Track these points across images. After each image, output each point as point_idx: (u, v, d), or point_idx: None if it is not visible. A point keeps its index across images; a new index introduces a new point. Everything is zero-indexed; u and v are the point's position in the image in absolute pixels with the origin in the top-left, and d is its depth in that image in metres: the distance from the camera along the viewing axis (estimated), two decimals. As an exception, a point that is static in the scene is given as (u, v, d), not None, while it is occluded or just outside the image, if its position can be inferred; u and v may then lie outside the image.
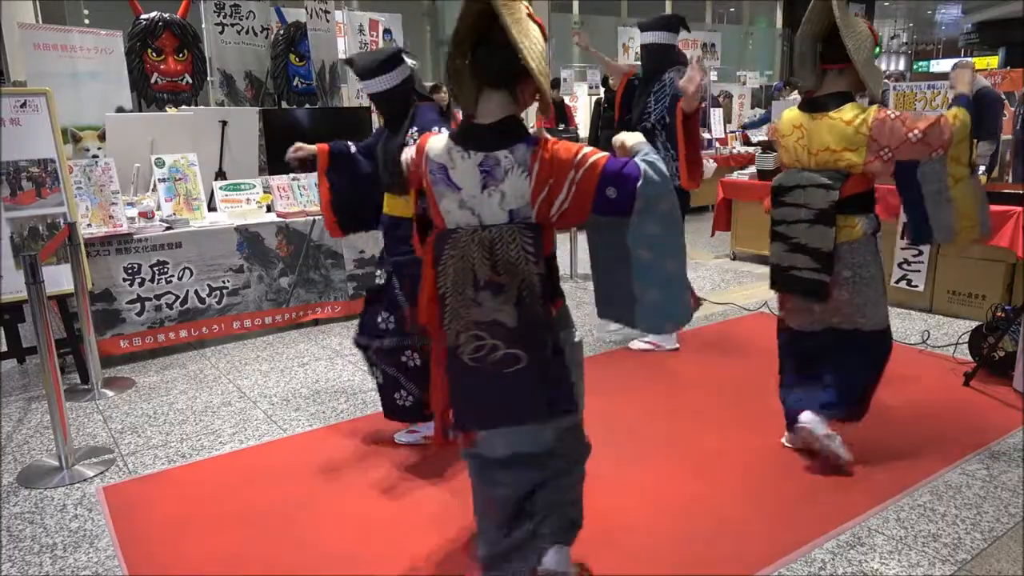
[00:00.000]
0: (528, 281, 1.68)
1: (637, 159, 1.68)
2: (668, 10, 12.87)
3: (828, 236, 2.59)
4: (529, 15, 1.67)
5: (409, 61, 2.77)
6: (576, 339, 1.82)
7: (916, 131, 2.46)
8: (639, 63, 4.05)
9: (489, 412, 1.79)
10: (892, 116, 2.51)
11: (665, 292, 1.77)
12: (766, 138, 7.00)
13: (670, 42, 3.91)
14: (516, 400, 1.75)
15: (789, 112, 2.77)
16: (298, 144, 2.95)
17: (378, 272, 2.92)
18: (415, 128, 2.68)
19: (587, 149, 1.67)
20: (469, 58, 1.69)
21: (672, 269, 1.76)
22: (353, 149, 2.99)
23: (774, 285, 2.82)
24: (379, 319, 2.84)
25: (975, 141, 2.62)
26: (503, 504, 1.91)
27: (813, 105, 2.64)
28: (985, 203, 2.64)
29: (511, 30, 1.56)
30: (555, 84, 9.11)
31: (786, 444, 2.90)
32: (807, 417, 2.70)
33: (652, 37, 3.91)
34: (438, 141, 1.77)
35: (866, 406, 2.79)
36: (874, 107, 2.54)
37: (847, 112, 2.56)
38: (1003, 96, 6.16)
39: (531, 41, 1.61)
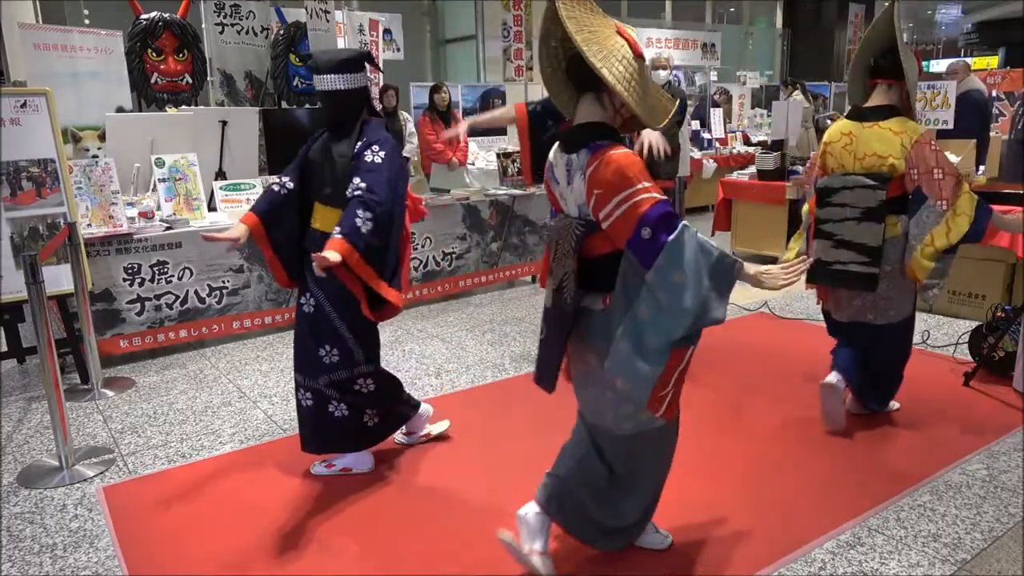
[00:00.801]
0: (568, 273, 1.89)
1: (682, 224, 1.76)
2: (668, 10, 12.86)
3: (878, 232, 2.85)
4: (618, 31, 1.87)
5: (371, 74, 2.66)
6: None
7: (939, 171, 2.76)
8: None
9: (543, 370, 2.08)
10: (932, 146, 2.79)
11: (630, 362, 1.80)
12: (767, 138, 6.98)
13: None
14: (540, 366, 2.07)
15: (838, 123, 3.04)
16: (209, 235, 2.55)
17: (304, 299, 2.64)
18: (365, 140, 2.53)
19: (640, 185, 1.75)
20: (564, 66, 1.97)
21: (650, 345, 1.77)
22: (279, 187, 2.65)
23: (813, 280, 3.01)
24: (321, 353, 2.60)
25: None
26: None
27: (863, 115, 2.92)
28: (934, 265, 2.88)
29: (582, 47, 1.76)
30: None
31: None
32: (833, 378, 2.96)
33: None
34: (557, 144, 2.02)
35: (895, 391, 3.14)
36: (922, 128, 2.85)
37: (895, 124, 2.84)
38: (995, 97, 6.16)
39: (608, 53, 1.79)
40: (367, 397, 2.70)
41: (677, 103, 3.67)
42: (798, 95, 8.03)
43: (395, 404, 2.84)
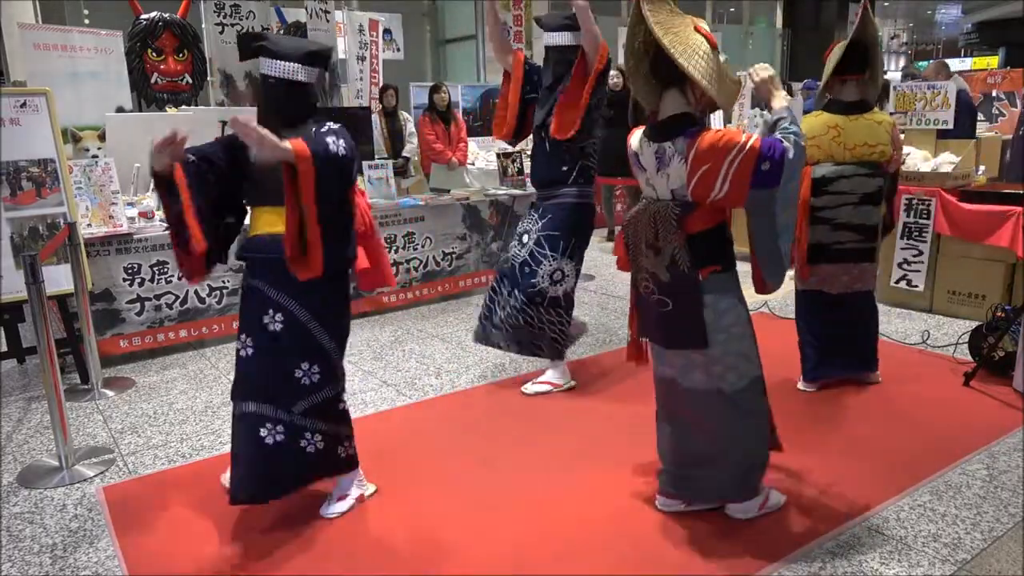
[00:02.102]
0: (676, 247, 2.14)
1: (779, 133, 2.09)
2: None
3: (876, 213, 3.23)
4: (696, 28, 2.09)
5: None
6: (727, 306, 2.21)
7: (900, 151, 3.40)
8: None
9: (652, 330, 2.36)
10: (897, 130, 3.26)
11: (787, 242, 2.25)
12: None
13: (576, 43, 3.30)
14: (664, 331, 2.29)
15: (816, 117, 3.26)
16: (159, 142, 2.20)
17: (266, 317, 2.31)
18: (318, 129, 2.27)
19: (744, 135, 2.02)
20: (648, 62, 2.18)
21: (790, 221, 2.25)
22: (190, 156, 2.29)
23: (815, 260, 3.27)
24: (298, 374, 2.32)
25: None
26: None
27: (847, 108, 3.20)
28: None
29: (669, 49, 2.01)
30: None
31: (803, 389, 3.47)
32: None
33: (558, 39, 3.36)
34: (637, 134, 2.26)
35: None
36: (889, 116, 3.27)
37: (876, 115, 3.21)
38: (995, 96, 6.17)
39: (692, 51, 2.04)
40: (346, 421, 2.49)
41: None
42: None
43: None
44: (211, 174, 2.31)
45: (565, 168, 3.38)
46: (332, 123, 2.33)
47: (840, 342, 3.40)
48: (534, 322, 3.39)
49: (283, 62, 2.31)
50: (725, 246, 2.24)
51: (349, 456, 2.53)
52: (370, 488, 2.63)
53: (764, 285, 2.32)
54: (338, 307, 2.42)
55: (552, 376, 3.57)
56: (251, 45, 2.37)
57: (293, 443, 2.36)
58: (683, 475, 2.41)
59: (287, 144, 2.08)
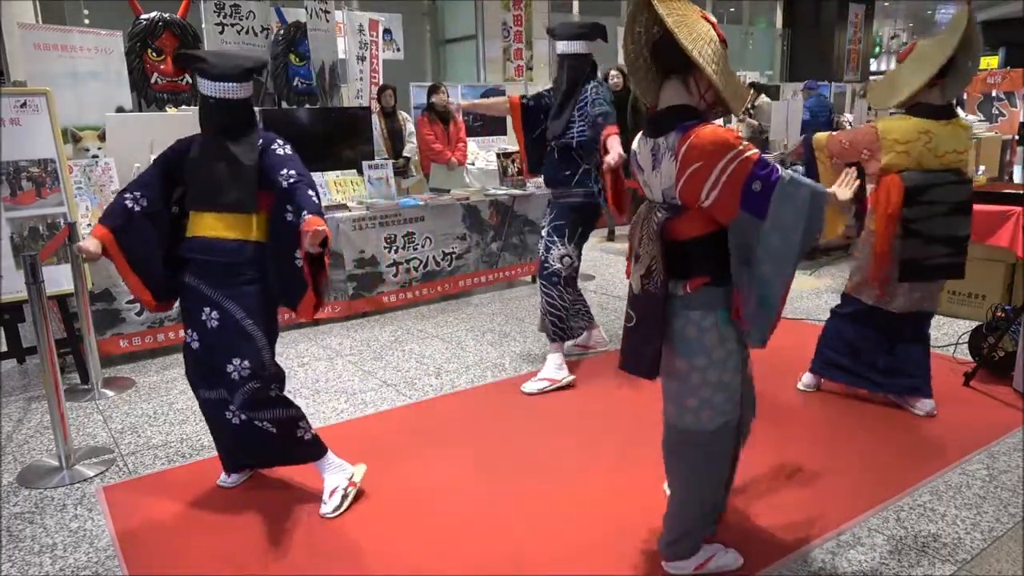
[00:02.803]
0: (655, 257, 1.89)
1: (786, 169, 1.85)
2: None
3: (967, 224, 3.02)
4: (703, 16, 1.87)
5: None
6: (709, 324, 1.92)
7: None
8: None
9: (626, 358, 2.08)
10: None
11: (771, 308, 1.89)
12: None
13: (588, 51, 3.60)
14: (625, 351, 2.07)
15: (905, 121, 2.97)
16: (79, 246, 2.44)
17: (203, 314, 2.43)
18: (262, 140, 2.46)
19: (742, 146, 1.78)
20: (648, 50, 1.93)
21: (776, 283, 1.86)
22: (133, 203, 2.46)
23: (909, 278, 3.03)
24: (229, 368, 2.40)
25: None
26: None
27: (937, 113, 2.96)
28: None
29: (673, 29, 1.76)
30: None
31: (803, 388, 3.45)
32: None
33: (572, 47, 3.55)
34: (639, 135, 2.02)
35: None
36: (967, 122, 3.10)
37: (961, 120, 3.04)
38: (996, 96, 6.16)
39: (697, 36, 1.80)
40: (284, 404, 2.52)
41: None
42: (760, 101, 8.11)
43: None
44: (145, 220, 2.48)
45: (568, 173, 3.67)
46: (277, 137, 2.51)
47: (874, 362, 3.22)
48: (556, 303, 3.71)
49: (222, 83, 2.38)
50: (719, 257, 1.89)
51: (312, 439, 2.59)
52: (359, 470, 2.66)
53: (745, 330, 1.96)
54: (269, 305, 2.55)
55: (550, 372, 3.62)
56: (188, 64, 2.47)
57: (250, 425, 2.53)
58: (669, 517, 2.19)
59: (323, 226, 2.26)
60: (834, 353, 3.32)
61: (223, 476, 2.74)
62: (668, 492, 2.17)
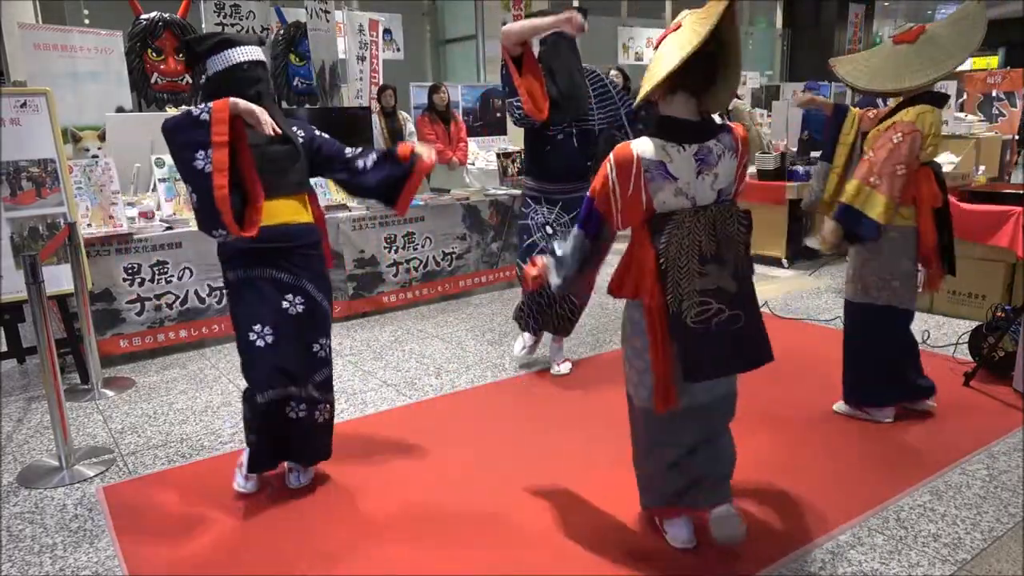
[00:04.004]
0: (739, 251, 2.02)
1: None
2: (668, 10, 12.85)
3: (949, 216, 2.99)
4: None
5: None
6: None
7: None
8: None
9: (716, 363, 2.03)
10: None
11: None
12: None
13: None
14: (746, 349, 2.05)
15: (931, 113, 2.81)
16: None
17: (285, 303, 2.46)
18: (291, 120, 2.61)
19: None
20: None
21: None
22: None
23: (953, 272, 3.04)
24: (315, 349, 2.55)
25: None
26: (671, 454, 2.19)
27: (940, 100, 2.86)
28: None
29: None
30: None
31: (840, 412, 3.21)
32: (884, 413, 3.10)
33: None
34: (646, 144, 1.98)
35: None
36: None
37: None
38: (996, 96, 6.17)
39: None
40: (331, 392, 2.66)
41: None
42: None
43: None
44: None
45: (589, 163, 3.45)
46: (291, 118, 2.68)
47: (901, 364, 3.08)
48: (566, 304, 3.66)
49: (250, 46, 2.45)
50: None
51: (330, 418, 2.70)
52: None
53: None
54: (331, 288, 2.68)
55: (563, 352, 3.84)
56: (202, 45, 2.44)
57: (312, 416, 2.57)
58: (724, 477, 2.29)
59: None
60: (880, 374, 3.05)
61: (241, 480, 2.63)
62: None
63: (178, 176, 4.36)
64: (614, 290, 2.13)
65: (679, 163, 1.96)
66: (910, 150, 2.74)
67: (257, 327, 2.45)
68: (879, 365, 3.02)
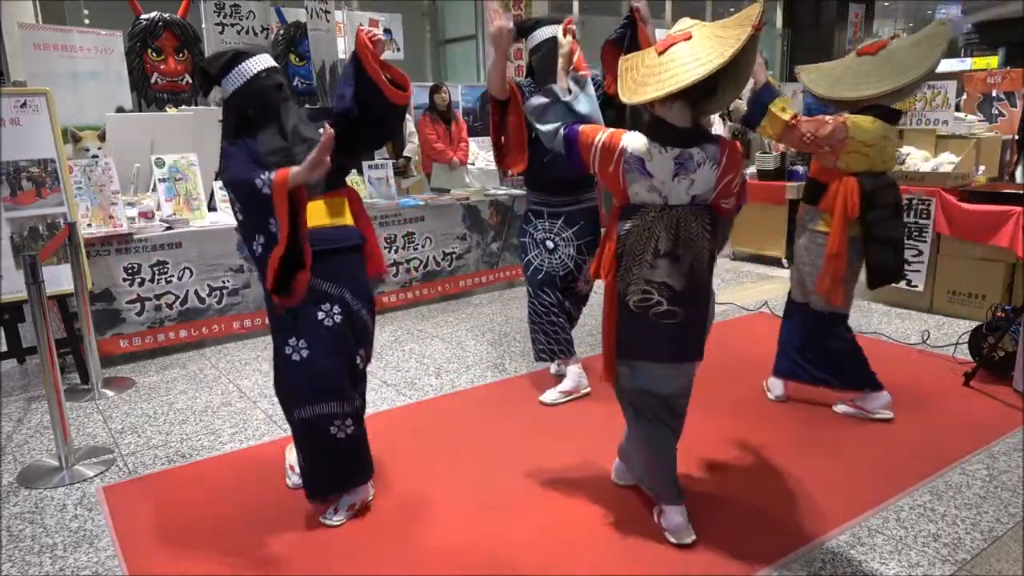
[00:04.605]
0: (699, 254, 2.11)
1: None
2: (668, 10, 12.85)
3: (903, 225, 3.10)
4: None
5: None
6: (715, 294, 2.30)
7: None
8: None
9: (644, 348, 2.21)
10: None
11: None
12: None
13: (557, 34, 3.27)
14: (675, 343, 2.19)
15: (873, 124, 2.86)
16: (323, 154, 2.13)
17: (321, 314, 2.28)
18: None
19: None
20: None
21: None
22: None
23: (881, 284, 3.06)
24: (357, 360, 2.41)
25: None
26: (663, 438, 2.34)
27: (895, 117, 2.94)
28: None
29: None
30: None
31: (772, 396, 3.37)
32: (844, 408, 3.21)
33: (549, 32, 3.24)
34: (636, 139, 2.11)
35: None
36: None
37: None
38: (995, 96, 6.17)
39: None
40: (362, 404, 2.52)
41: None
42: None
43: None
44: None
45: (588, 173, 3.30)
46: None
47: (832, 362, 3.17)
48: (574, 320, 3.57)
49: (261, 55, 2.36)
50: None
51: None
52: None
53: None
54: (372, 296, 2.50)
55: (576, 381, 3.50)
56: (222, 60, 2.34)
57: (359, 430, 2.45)
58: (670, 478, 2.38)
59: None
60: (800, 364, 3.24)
61: (330, 513, 2.46)
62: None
63: (178, 176, 4.40)
64: (592, 273, 2.35)
65: (658, 162, 2.08)
66: (830, 134, 2.81)
67: (292, 339, 2.29)
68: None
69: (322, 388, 2.31)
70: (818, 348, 3.17)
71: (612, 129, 2.17)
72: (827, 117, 2.87)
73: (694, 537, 2.28)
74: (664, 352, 2.20)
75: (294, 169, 2.07)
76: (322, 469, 2.42)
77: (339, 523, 2.43)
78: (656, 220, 2.10)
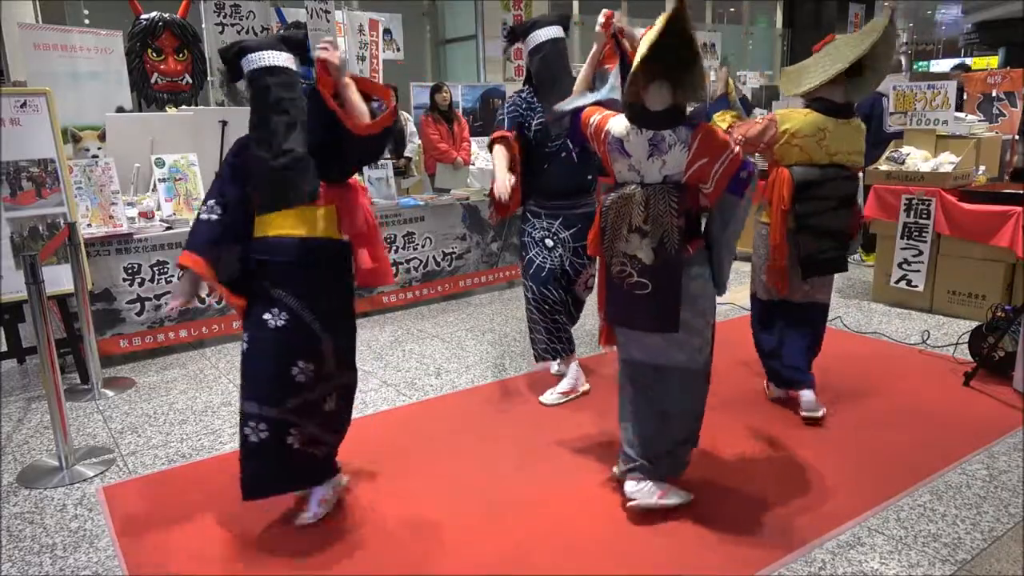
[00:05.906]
0: (668, 230, 2.21)
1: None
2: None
3: (848, 218, 3.06)
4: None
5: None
6: (707, 276, 2.36)
7: None
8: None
9: (624, 316, 2.40)
10: None
11: (726, 263, 2.42)
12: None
13: (561, 36, 3.29)
14: (647, 314, 2.32)
15: (804, 116, 2.98)
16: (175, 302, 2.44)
17: (268, 315, 2.26)
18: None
19: (732, 142, 2.28)
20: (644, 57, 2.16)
21: (733, 247, 2.41)
22: (220, 217, 2.29)
23: (810, 274, 3.07)
24: (294, 371, 2.28)
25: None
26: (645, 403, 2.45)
27: (839, 110, 2.97)
28: None
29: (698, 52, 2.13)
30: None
31: (771, 396, 3.40)
32: (809, 398, 3.17)
33: (553, 31, 3.26)
34: (619, 122, 2.30)
35: None
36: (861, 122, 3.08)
37: (857, 120, 3.03)
38: (995, 97, 6.18)
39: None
40: (333, 420, 2.45)
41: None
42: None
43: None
44: (237, 232, 2.31)
45: (590, 177, 3.28)
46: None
47: (795, 350, 3.20)
48: (573, 323, 3.53)
49: (267, 51, 2.31)
50: (699, 224, 2.41)
51: (327, 456, 2.50)
52: (343, 480, 2.62)
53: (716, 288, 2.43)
54: (346, 307, 2.46)
55: (574, 381, 3.51)
56: (231, 52, 2.34)
57: (274, 439, 2.30)
58: (669, 454, 2.45)
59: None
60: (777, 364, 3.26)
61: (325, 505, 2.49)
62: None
63: (178, 176, 4.40)
64: (588, 248, 2.54)
65: (634, 143, 2.26)
66: (760, 133, 2.93)
67: (244, 333, 2.35)
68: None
69: (249, 384, 2.31)
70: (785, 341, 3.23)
71: (605, 112, 2.38)
72: (757, 118, 3.02)
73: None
74: (639, 321, 2.36)
75: (185, 277, 2.35)
76: (241, 462, 2.37)
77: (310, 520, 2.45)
78: (631, 196, 2.26)
